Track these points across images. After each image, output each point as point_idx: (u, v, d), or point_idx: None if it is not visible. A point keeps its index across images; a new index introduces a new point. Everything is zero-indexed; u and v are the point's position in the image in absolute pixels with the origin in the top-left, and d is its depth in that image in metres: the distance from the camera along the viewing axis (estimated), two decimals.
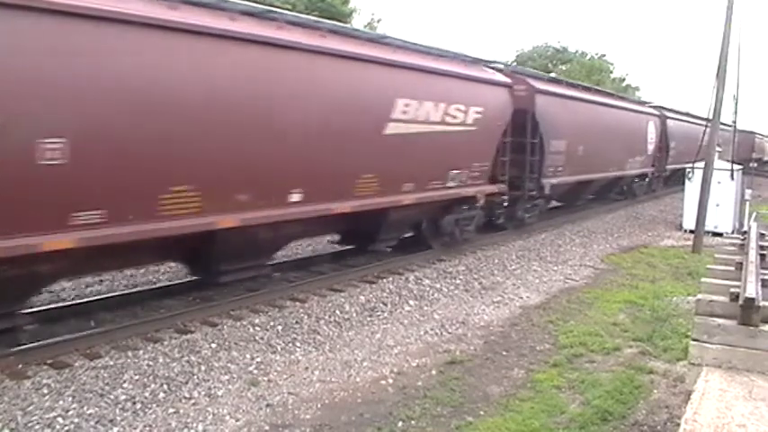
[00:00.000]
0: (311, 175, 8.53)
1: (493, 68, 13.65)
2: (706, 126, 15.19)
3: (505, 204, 14.23)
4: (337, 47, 8.88)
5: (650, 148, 23.33)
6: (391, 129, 9.87)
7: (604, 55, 54.90)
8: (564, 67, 49.76)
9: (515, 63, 43.27)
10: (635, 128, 21.68)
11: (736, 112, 17.55)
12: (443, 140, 11.11)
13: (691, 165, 16.86)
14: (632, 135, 21.30)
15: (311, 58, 8.39)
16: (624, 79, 56.73)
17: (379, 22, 34.03)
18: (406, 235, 12.38)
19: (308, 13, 14.91)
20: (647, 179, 24.60)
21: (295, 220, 8.47)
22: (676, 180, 29.21)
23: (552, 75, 28.24)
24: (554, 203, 18.89)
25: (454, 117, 11.33)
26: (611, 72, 54.73)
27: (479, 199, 12.51)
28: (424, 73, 10.71)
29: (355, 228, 10.58)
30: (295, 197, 8.39)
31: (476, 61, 13.10)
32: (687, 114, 29.75)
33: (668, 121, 25.66)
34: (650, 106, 25.70)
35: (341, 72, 8.96)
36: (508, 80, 13.51)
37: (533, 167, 14.55)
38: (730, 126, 19.49)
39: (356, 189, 9.40)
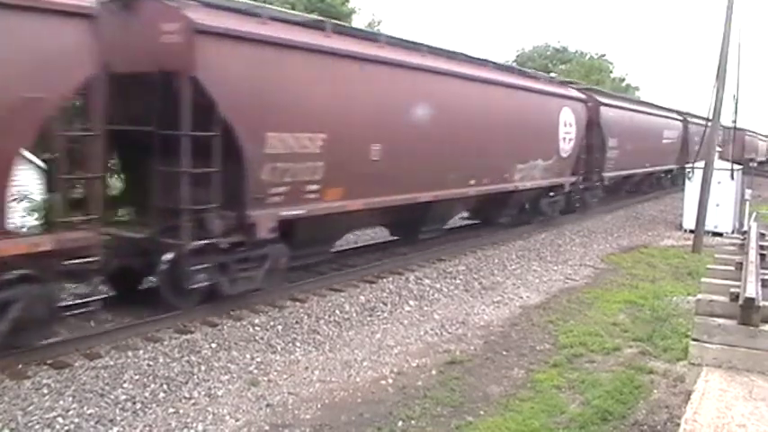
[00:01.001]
0: None
1: None
2: (706, 126, 15.21)
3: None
4: None
5: (566, 147, 15.93)
6: None
7: (604, 55, 54.86)
8: (564, 67, 49.74)
9: (515, 63, 43.25)
10: (532, 116, 14.19)
11: (736, 112, 17.57)
12: None
13: (690, 166, 16.84)
14: (526, 127, 13.83)
15: None
16: (624, 79, 56.76)
17: (379, 23, 33.96)
18: None
19: (307, 14, 14.79)
20: (570, 192, 17.03)
21: None
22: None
23: (553, 74, 27.25)
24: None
25: None
26: (611, 72, 54.74)
27: None
28: None
29: None
30: None
31: None
32: (636, 102, 22.83)
33: (603, 109, 18.19)
34: (575, 88, 17.87)
35: None
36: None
37: (198, 189, 7.30)
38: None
39: None
